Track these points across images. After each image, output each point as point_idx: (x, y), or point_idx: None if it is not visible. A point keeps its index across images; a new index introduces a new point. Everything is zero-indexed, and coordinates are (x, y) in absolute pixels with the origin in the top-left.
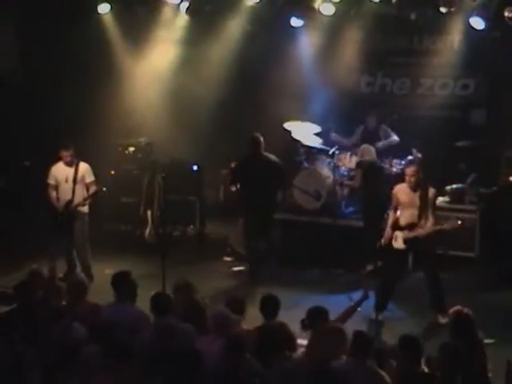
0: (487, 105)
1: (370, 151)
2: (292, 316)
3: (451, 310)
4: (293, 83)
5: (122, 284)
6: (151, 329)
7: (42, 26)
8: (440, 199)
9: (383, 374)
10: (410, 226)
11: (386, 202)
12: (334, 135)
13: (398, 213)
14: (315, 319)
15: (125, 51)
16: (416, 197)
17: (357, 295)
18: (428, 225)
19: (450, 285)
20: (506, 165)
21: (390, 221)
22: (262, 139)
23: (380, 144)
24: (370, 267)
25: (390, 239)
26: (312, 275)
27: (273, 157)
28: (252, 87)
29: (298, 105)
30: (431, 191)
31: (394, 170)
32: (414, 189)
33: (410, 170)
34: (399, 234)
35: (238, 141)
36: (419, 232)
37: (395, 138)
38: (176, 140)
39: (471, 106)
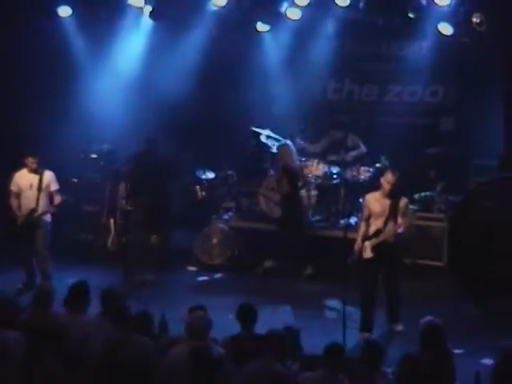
0: (456, 112)
1: (289, 150)
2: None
3: (422, 321)
4: (258, 89)
5: (79, 294)
6: (105, 339)
7: None
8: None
9: None
10: (376, 234)
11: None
12: (298, 141)
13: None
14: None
15: (87, 55)
16: (387, 204)
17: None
18: (400, 224)
19: (419, 294)
20: (475, 172)
21: (361, 233)
22: (154, 139)
23: (350, 155)
24: (309, 270)
25: (361, 251)
26: (277, 285)
27: (164, 156)
28: (217, 93)
29: (264, 111)
30: (403, 201)
31: (362, 177)
32: (387, 195)
33: (391, 178)
34: (367, 244)
35: (202, 148)
36: (384, 236)
37: (363, 148)
38: (139, 147)
39: (440, 113)
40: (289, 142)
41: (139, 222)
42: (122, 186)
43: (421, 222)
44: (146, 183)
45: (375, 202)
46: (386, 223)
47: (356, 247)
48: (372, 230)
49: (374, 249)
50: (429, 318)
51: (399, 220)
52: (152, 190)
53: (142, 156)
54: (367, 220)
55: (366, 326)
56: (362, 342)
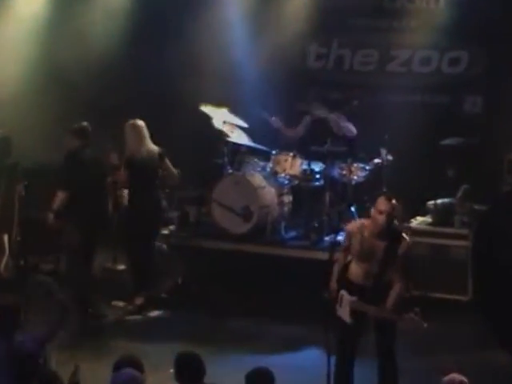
0: (485, 87)
1: (136, 130)
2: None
3: (445, 379)
4: (215, 55)
5: None
6: None
7: None
8: (419, 220)
9: None
10: (362, 291)
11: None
12: (274, 119)
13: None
14: None
15: None
16: (380, 247)
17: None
18: (390, 299)
19: (436, 338)
20: (509, 171)
21: (336, 268)
22: (88, 129)
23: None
24: (139, 300)
25: (335, 298)
26: (237, 325)
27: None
28: (155, 57)
29: (222, 86)
30: (405, 242)
31: (355, 177)
32: (380, 233)
33: (383, 205)
34: (346, 297)
35: None
36: (371, 310)
37: (352, 129)
38: (43, 134)
39: (463, 89)
40: (139, 120)
41: (78, 244)
42: (20, 188)
43: (437, 241)
44: (87, 193)
45: (361, 235)
46: (378, 279)
47: (331, 287)
48: (355, 277)
49: (354, 313)
50: (452, 375)
51: (397, 281)
52: (94, 201)
53: (78, 155)
54: (347, 250)
55: None
56: None
